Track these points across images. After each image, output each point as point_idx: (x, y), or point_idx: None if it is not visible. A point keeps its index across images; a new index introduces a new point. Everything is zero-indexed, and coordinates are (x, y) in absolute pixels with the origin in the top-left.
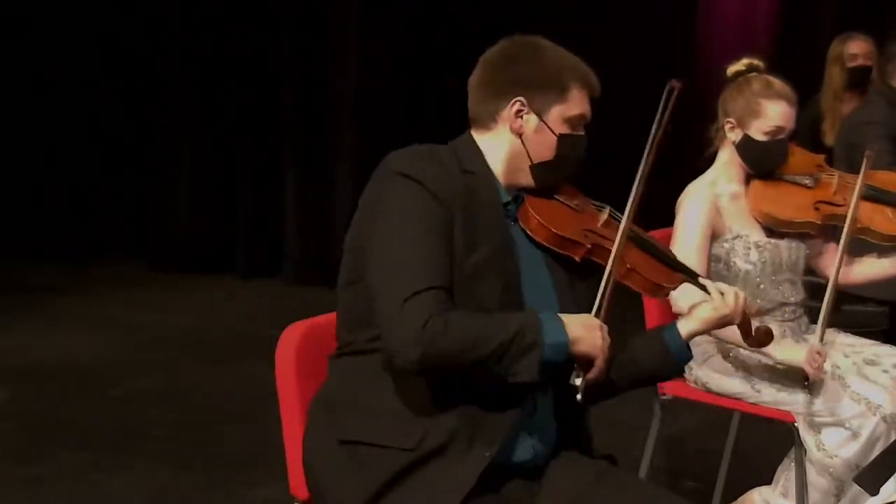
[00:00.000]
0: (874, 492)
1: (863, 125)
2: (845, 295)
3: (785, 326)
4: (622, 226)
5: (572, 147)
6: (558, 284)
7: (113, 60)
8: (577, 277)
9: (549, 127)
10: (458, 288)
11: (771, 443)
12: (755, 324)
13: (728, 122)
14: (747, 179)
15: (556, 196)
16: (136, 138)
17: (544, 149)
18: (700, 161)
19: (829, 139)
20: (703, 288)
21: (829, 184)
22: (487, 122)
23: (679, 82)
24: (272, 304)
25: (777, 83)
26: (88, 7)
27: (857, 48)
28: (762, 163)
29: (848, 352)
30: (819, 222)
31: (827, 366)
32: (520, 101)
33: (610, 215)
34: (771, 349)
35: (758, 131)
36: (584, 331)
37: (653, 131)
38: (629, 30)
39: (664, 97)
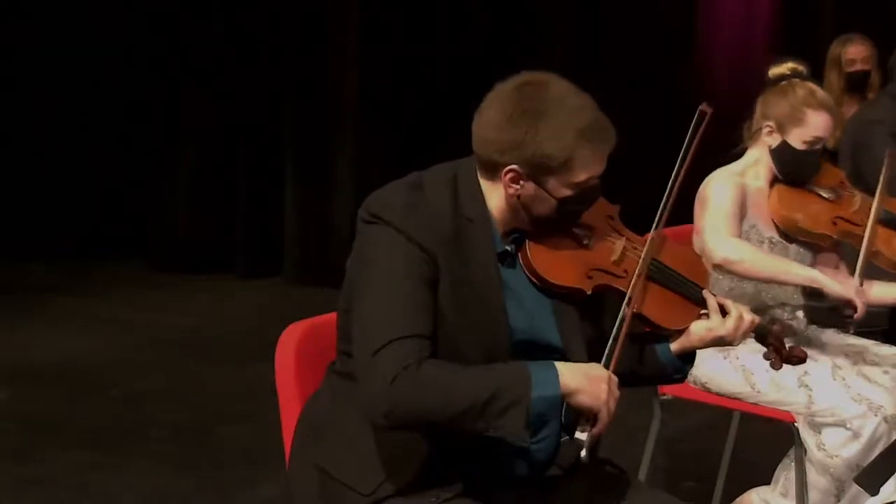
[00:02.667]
0: (874, 492)
1: (868, 124)
2: None
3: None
4: (638, 269)
5: (577, 204)
6: (564, 327)
7: (112, 61)
8: (588, 314)
9: (548, 193)
10: (440, 344)
11: (771, 443)
12: (787, 346)
13: (768, 125)
14: (772, 182)
15: (562, 233)
16: (136, 138)
17: (544, 209)
18: (708, 161)
19: (829, 142)
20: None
21: (850, 202)
22: (487, 171)
23: (710, 107)
24: (272, 304)
25: (820, 92)
26: (88, 8)
27: (854, 53)
28: (795, 171)
29: (848, 352)
30: (834, 237)
31: (828, 365)
32: (513, 170)
33: (626, 247)
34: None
35: (797, 139)
36: (587, 382)
37: (680, 159)
38: (629, 30)
39: (695, 121)
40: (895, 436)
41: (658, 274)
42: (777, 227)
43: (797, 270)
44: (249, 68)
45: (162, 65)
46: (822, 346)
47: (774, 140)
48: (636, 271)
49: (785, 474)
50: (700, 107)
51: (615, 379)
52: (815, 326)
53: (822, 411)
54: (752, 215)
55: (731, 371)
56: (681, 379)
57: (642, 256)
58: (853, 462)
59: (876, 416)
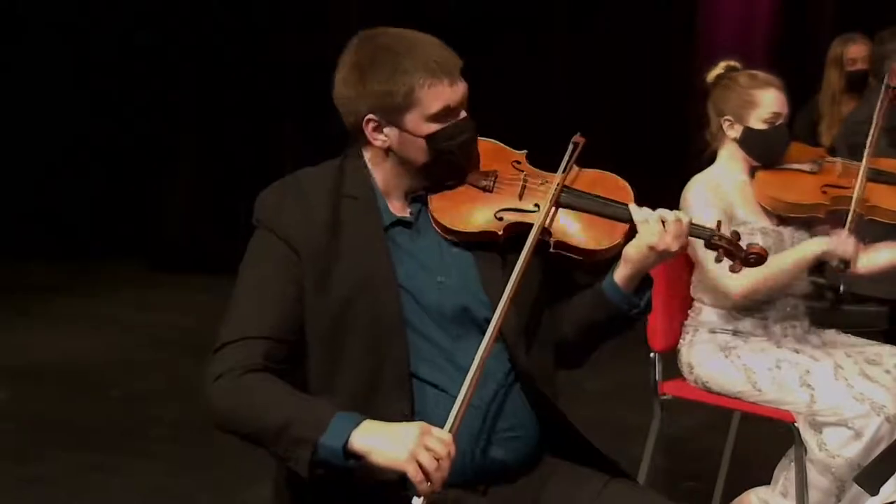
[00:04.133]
0: (874, 492)
1: (862, 125)
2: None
3: (786, 325)
4: (548, 197)
5: (449, 139)
6: (489, 280)
7: (113, 61)
8: (508, 252)
9: (411, 133)
10: (321, 327)
11: (771, 443)
12: (743, 245)
13: (726, 120)
14: (751, 173)
15: (460, 184)
16: (136, 138)
17: (418, 153)
18: (700, 162)
19: (826, 140)
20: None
21: (832, 168)
22: (358, 136)
23: (582, 138)
24: None
25: (761, 73)
26: (87, 6)
27: (855, 52)
28: (767, 151)
29: (850, 352)
30: (827, 204)
31: (830, 365)
32: (370, 119)
33: (532, 183)
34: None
35: (757, 121)
36: (382, 444)
37: (557, 180)
38: (629, 30)
39: (569, 150)
40: None
41: (571, 199)
42: (768, 214)
43: (796, 254)
44: (249, 67)
45: (162, 62)
46: (823, 346)
47: (737, 131)
48: (547, 200)
49: (784, 474)
50: (573, 137)
51: (440, 436)
52: (816, 328)
53: (824, 411)
54: (739, 211)
55: (732, 370)
56: (641, 315)
57: (552, 187)
58: (855, 462)
59: (878, 415)
